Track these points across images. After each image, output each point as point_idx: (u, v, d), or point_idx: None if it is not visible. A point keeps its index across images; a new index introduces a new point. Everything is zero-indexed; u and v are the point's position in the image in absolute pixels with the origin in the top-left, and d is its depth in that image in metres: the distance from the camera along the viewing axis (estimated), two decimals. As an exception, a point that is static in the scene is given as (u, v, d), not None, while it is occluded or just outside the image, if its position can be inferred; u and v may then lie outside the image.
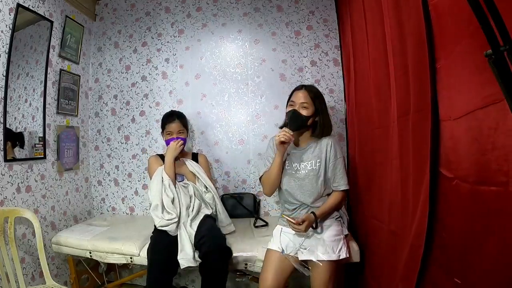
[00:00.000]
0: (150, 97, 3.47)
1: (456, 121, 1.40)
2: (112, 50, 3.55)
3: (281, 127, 2.32)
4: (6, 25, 2.42)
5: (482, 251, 1.31)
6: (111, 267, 3.15)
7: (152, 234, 2.52)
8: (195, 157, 2.91)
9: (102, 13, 3.60)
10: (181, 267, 2.33)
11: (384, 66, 2.05)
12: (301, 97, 2.21)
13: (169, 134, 2.72)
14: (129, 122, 3.50)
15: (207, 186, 2.71)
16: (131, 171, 3.49)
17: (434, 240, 1.61)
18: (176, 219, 2.44)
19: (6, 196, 2.43)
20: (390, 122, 2.01)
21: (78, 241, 2.66)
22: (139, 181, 3.47)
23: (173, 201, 2.52)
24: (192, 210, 2.56)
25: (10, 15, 2.44)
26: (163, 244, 2.38)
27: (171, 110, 2.90)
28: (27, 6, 2.59)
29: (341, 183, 2.22)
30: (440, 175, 1.53)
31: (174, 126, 2.73)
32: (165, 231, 2.42)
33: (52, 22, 2.88)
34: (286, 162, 2.33)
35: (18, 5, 2.49)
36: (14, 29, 2.47)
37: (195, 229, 2.43)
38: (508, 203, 1.14)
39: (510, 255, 1.16)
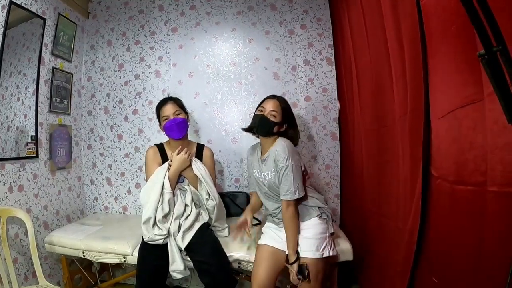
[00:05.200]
0: (143, 96, 3.45)
1: (440, 120, 1.42)
2: (105, 48, 3.53)
3: (246, 130, 2.39)
4: (-2, 22, 2.41)
5: (460, 251, 1.32)
6: (104, 266, 3.14)
7: (141, 243, 2.41)
8: (200, 150, 2.69)
9: (95, 10, 3.58)
10: (173, 279, 2.35)
11: (387, 66, 2.06)
12: (271, 105, 2.27)
13: (165, 118, 2.49)
14: (122, 121, 3.48)
15: (210, 194, 2.52)
16: (124, 170, 3.48)
17: (424, 238, 1.64)
18: (166, 234, 2.35)
19: (-3, 195, 2.41)
20: (395, 121, 2.02)
21: (71, 240, 2.64)
22: (132, 180, 3.46)
23: (166, 215, 2.40)
24: (186, 218, 2.45)
25: (2, 12, 2.42)
26: (152, 255, 2.33)
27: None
28: (19, 3, 2.57)
29: (281, 192, 2.17)
30: (430, 174, 1.55)
31: (168, 107, 2.50)
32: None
33: (44, 20, 2.86)
34: (258, 171, 2.38)
35: (11, 2, 2.47)
36: (7, 26, 2.45)
37: (189, 239, 2.36)
38: (485, 203, 1.15)
39: (489, 257, 1.18)
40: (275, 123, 2.23)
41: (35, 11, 2.75)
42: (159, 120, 2.59)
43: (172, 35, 3.44)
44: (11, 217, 2.36)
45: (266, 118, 2.23)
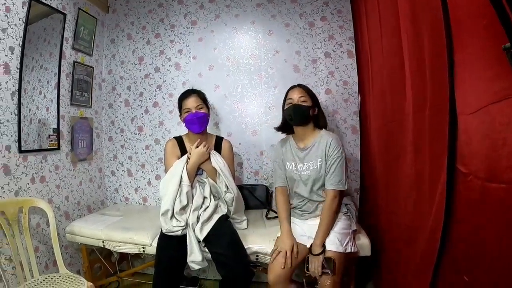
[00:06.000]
0: (163, 88, 3.48)
1: (471, 116, 1.37)
2: (125, 41, 3.56)
3: (278, 129, 2.54)
4: (20, 18, 2.44)
5: (492, 250, 1.28)
6: (123, 256, 3.19)
7: (160, 233, 2.45)
8: (218, 143, 2.72)
9: (114, 5, 3.62)
10: (191, 270, 2.37)
11: (399, 59, 2.02)
12: (298, 93, 2.32)
13: (187, 111, 2.52)
14: (142, 113, 3.52)
15: (228, 186, 2.53)
16: (144, 162, 3.52)
17: (449, 236, 1.59)
18: (184, 226, 2.37)
19: (20, 187, 2.48)
20: (405, 116, 1.98)
21: (92, 230, 2.70)
22: (152, 171, 3.50)
23: (184, 207, 2.43)
24: (205, 210, 2.46)
25: (23, 8, 2.46)
26: (171, 246, 2.35)
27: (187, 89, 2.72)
28: (40, -1, 2.60)
29: (330, 181, 2.21)
30: (457, 170, 1.51)
31: (191, 101, 2.53)
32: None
33: (65, 15, 2.90)
34: (292, 163, 2.39)
35: (32, -2, 2.51)
36: (28, 22, 2.49)
37: (207, 231, 2.37)
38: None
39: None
40: (308, 107, 2.29)
41: (55, 7, 2.79)
42: (180, 111, 2.61)
43: (191, 28, 3.44)
44: (33, 207, 2.43)
45: (299, 105, 2.28)
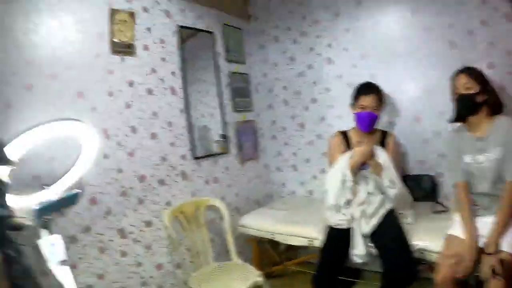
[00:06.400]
0: (319, 84, 3.54)
1: None
2: (273, 45, 3.72)
3: (453, 121, 2.28)
4: (173, 45, 2.86)
5: None
6: (289, 246, 3.29)
7: (326, 226, 2.54)
8: (384, 137, 2.71)
9: (255, 13, 3.80)
10: (353, 262, 2.43)
11: None
12: (462, 80, 2.17)
13: (362, 107, 2.54)
14: (301, 110, 3.65)
15: (393, 182, 2.50)
16: (308, 157, 3.66)
17: None
18: (350, 219, 2.44)
19: (197, 188, 2.94)
20: None
21: (261, 224, 3.00)
22: (316, 165, 3.60)
23: (349, 201, 2.51)
24: (370, 205, 2.46)
25: (174, 36, 2.88)
26: (336, 238, 2.45)
27: (368, 82, 2.74)
28: (186, 25, 2.99)
29: (511, 172, 2.00)
30: None
31: (369, 99, 2.54)
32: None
33: (211, 32, 3.24)
34: (469, 155, 2.17)
35: (180, 26, 2.91)
36: (181, 47, 2.90)
37: (373, 225, 2.40)
38: None
39: None
40: (474, 94, 2.12)
41: (201, 28, 3.15)
42: (353, 101, 2.65)
43: (335, 20, 3.39)
44: (208, 205, 2.84)
45: (463, 95, 2.16)
